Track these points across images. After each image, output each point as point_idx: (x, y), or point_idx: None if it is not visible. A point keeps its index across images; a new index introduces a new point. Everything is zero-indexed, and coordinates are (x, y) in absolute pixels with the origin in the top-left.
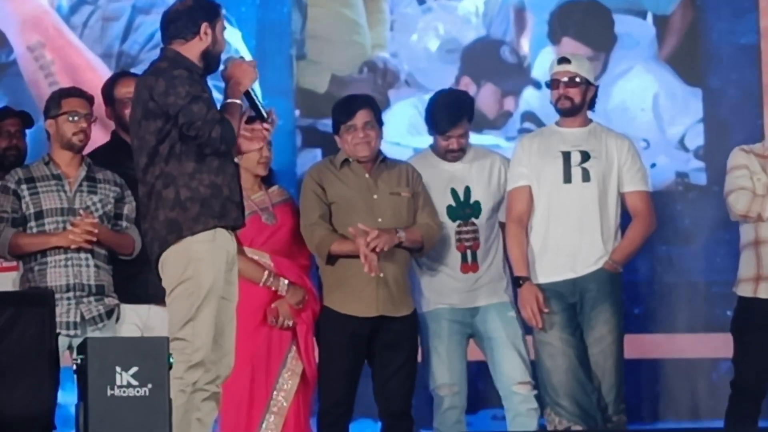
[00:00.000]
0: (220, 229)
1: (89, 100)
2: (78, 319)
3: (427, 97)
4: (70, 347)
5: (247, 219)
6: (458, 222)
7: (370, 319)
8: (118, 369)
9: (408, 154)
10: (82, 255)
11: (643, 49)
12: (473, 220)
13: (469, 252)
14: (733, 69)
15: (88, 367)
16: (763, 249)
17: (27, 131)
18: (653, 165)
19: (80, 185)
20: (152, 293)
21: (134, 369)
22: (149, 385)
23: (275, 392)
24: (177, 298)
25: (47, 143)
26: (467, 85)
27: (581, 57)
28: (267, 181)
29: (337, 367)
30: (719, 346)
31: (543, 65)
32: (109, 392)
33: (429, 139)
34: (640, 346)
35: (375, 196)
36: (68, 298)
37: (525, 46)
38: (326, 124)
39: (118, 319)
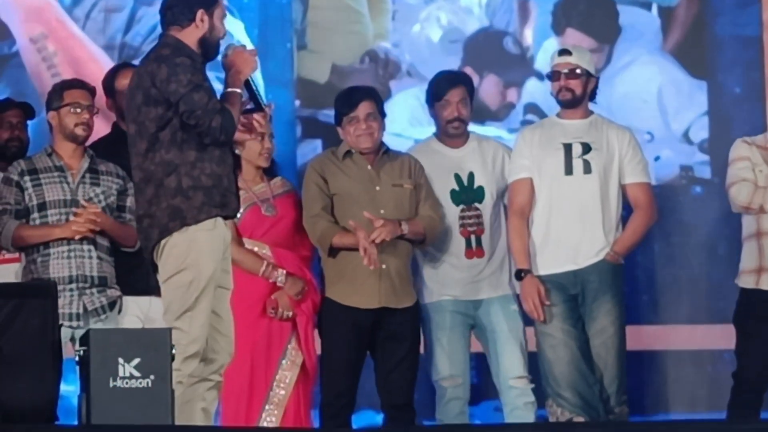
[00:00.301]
0: (220, 219)
1: (91, 91)
2: (80, 311)
3: None
4: (72, 339)
5: (247, 210)
6: (462, 206)
7: (373, 311)
8: (120, 360)
9: (409, 145)
10: (85, 247)
11: (647, 40)
12: (477, 204)
13: (473, 237)
14: (738, 61)
15: (91, 358)
16: (765, 240)
17: (29, 122)
18: (657, 158)
19: (83, 177)
20: (153, 285)
21: (136, 360)
22: (151, 377)
23: (275, 383)
24: (175, 286)
25: (49, 135)
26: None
27: (582, 49)
28: (270, 172)
29: (340, 359)
30: (721, 337)
31: (546, 56)
32: (111, 384)
33: (430, 131)
34: (641, 337)
35: (377, 188)
36: (71, 290)
37: (528, 36)
38: (327, 114)
39: (120, 310)
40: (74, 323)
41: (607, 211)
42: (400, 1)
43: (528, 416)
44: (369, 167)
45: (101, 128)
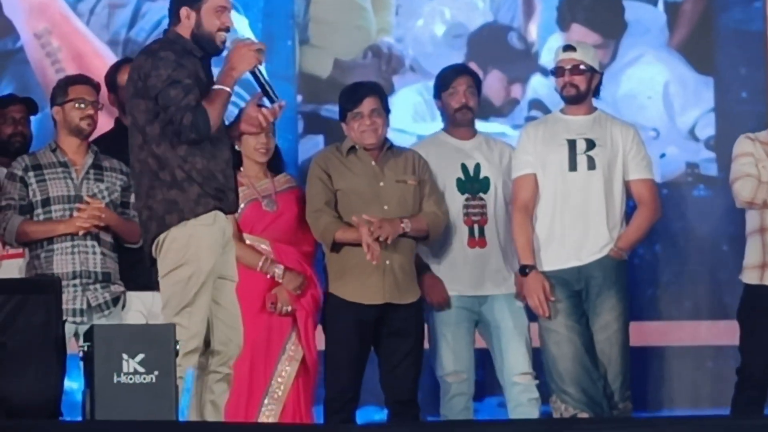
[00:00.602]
0: (219, 213)
1: (96, 87)
2: (84, 307)
3: (433, 83)
4: (76, 334)
5: (247, 206)
6: (466, 195)
7: (376, 307)
8: (124, 356)
9: (412, 141)
10: (89, 242)
11: (653, 36)
12: (481, 195)
13: (476, 226)
14: (743, 57)
15: (95, 354)
16: None
17: (32, 118)
18: (663, 155)
19: (87, 173)
20: (155, 280)
21: (141, 356)
22: (156, 372)
23: (274, 379)
24: (174, 281)
25: (53, 130)
26: None
27: (586, 44)
28: (275, 168)
29: (344, 355)
30: (725, 333)
31: (551, 52)
32: (115, 379)
33: (433, 126)
34: (645, 333)
35: (381, 184)
36: (74, 286)
37: (533, 32)
38: (329, 110)
39: (124, 306)
40: (78, 319)
41: (611, 207)
42: None
43: (532, 412)
44: (373, 163)
45: (104, 123)
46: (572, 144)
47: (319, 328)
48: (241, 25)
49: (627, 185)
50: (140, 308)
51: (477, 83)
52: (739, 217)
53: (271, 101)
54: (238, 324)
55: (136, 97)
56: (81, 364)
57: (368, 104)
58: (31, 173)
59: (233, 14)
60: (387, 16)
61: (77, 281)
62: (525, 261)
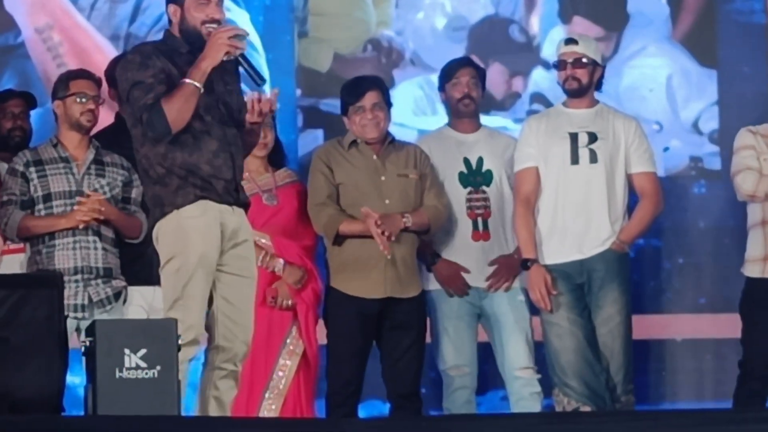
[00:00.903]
0: (210, 202)
1: (97, 81)
2: (86, 302)
3: (433, 77)
4: (77, 329)
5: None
6: (469, 189)
7: (379, 300)
8: (126, 351)
9: (413, 135)
10: (90, 238)
11: (656, 28)
12: (484, 188)
13: (480, 220)
14: (747, 50)
15: (97, 349)
16: None
17: (32, 112)
18: (666, 149)
19: (88, 168)
20: (156, 274)
21: (143, 351)
22: (158, 367)
23: (275, 373)
24: (167, 275)
25: (55, 125)
26: None
27: (588, 38)
28: (277, 163)
29: (346, 349)
30: (727, 326)
31: (553, 45)
32: (117, 374)
33: (434, 120)
34: (648, 326)
35: (383, 178)
36: (76, 281)
37: (534, 24)
38: (328, 103)
39: (125, 301)
40: (79, 314)
41: (613, 200)
42: None
43: (534, 406)
44: (374, 157)
45: (105, 118)
46: (574, 137)
47: (320, 322)
48: (242, 19)
49: (629, 178)
50: (141, 303)
51: (481, 76)
52: (742, 210)
53: (256, 82)
54: (245, 321)
55: (122, 102)
56: (83, 359)
57: (370, 98)
58: (32, 168)
59: (234, 9)
60: (387, 8)
61: (79, 276)
62: (527, 254)
